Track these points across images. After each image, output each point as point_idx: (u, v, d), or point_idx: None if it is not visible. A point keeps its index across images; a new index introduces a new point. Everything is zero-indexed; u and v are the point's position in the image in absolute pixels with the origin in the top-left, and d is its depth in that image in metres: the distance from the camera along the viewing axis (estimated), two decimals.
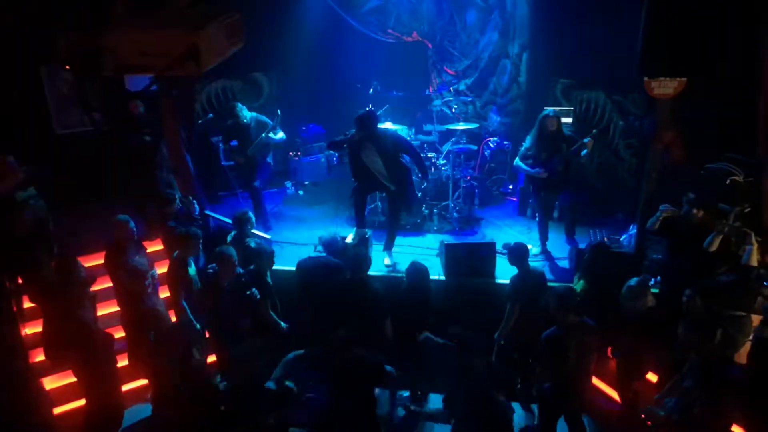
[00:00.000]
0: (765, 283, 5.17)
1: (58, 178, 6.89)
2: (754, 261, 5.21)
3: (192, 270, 5.87)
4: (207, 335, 5.88)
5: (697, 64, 5.51)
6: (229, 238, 6.29)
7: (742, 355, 5.14)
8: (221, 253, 5.62)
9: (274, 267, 5.90)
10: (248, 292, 5.52)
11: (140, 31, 3.43)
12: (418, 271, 5.73)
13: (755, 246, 5.22)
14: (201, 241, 5.98)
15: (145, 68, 3.64)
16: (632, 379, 5.45)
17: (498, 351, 5.90)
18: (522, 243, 5.94)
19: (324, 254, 6.15)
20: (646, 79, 6.10)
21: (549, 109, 7.21)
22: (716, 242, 5.41)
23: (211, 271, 5.71)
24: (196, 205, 6.71)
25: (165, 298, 6.09)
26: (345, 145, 6.77)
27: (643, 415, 4.93)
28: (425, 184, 8.00)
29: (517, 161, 7.19)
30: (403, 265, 6.91)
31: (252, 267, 5.78)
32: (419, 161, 7.11)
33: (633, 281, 5.18)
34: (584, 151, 6.95)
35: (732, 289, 5.15)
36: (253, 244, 6.18)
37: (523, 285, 5.71)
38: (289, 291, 6.00)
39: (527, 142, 7.14)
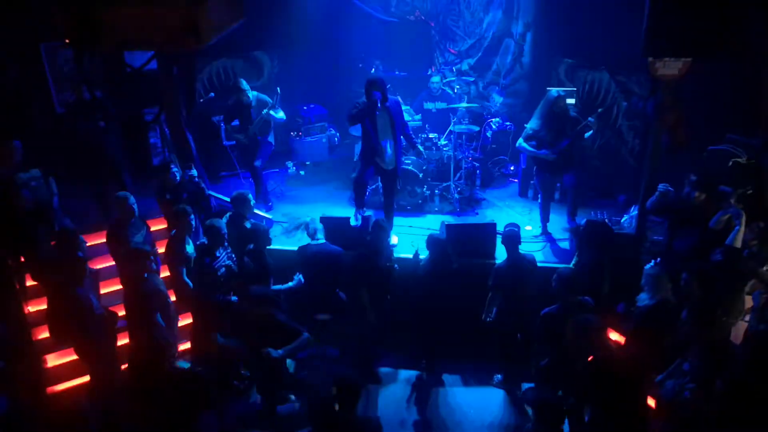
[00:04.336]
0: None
1: (60, 156, 6.89)
2: (738, 242, 5.20)
3: (190, 248, 5.90)
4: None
5: (702, 45, 5.42)
6: (224, 219, 6.21)
7: (740, 331, 5.16)
8: (211, 226, 5.68)
9: (275, 247, 5.90)
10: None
11: (138, 5, 3.40)
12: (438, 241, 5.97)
13: (741, 227, 5.20)
14: (192, 217, 5.97)
15: (143, 43, 3.63)
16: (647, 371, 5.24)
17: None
18: (515, 231, 5.85)
19: (323, 241, 6.17)
20: (650, 59, 6.03)
21: (555, 90, 7.14)
22: (723, 221, 5.39)
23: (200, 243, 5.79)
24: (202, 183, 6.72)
25: (165, 278, 6.12)
26: (363, 113, 6.62)
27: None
28: (426, 165, 7.96)
29: (520, 142, 7.13)
30: (405, 246, 6.97)
31: (252, 246, 5.80)
32: (410, 137, 7.09)
33: (649, 267, 5.06)
34: (588, 133, 6.93)
35: (720, 270, 5.15)
36: (248, 225, 6.17)
37: (507, 273, 5.73)
38: (290, 269, 6.07)
39: (532, 123, 7.08)
